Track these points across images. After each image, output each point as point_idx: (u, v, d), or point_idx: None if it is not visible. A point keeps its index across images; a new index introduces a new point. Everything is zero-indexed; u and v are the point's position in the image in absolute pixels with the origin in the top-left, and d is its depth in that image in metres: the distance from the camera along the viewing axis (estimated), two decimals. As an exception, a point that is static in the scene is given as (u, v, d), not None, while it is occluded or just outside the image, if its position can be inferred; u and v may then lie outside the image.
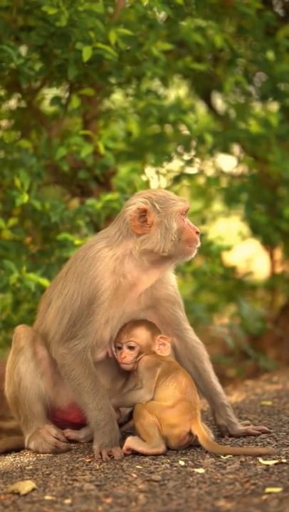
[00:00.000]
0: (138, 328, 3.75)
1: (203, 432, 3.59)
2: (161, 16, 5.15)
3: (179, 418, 3.58)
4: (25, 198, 4.37)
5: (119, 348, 3.75)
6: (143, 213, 3.68)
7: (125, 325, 3.75)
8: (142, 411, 3.60)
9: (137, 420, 3.62)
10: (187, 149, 5.50)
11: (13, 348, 3.95)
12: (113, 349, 3.78)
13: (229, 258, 6.84)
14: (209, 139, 5.34)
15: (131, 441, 3.61)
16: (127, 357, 3.71)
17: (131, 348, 3.72)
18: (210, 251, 5.45)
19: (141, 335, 3.73)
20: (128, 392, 3.71)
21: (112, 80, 4.94)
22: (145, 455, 3.57)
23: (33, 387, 3.86)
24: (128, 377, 3.82)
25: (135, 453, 3.60)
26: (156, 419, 3.57)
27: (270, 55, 5.63)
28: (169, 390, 3.62)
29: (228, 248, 5.67)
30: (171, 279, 3.88)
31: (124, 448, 3.60)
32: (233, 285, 6.80)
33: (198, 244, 3.77)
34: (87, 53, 4.33)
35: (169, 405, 3.59)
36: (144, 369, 3.69)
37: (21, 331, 3.96)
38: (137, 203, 3.72)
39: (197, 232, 3.75)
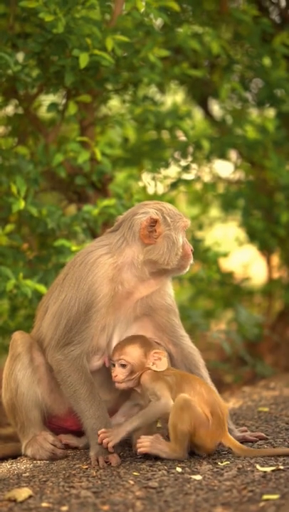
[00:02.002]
0: (131, 345, 3.66)
1: (234, 442, 3.59)
2: (158, 22, 5.16)
3: (213, 435, 3.54)
4: (22, 204, 4.37)
5: (114, 365, 3.69)
6: (153, 223, 3.70)
7: (120, 342, 3.70)
8: (184, 415, 3.50)
9: (173, 420, 3.52)
10: (184, 155, 5.51)
11: (10, 355, 3.94)
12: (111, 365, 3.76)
13: (226, 264, 6.85)
14: (206, 145, 5.36)
15: (152, 446, 3.53)
16: (118, 375, 3.63)
17: (123, 366, 3.64)
18: (207, 257, 5.45)
19: (133, 353, 3.64)
20: (146, 409, 3.56)
21: (109, 87, 4.95)
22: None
23: (30, 394, 3.85)
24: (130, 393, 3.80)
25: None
26: (192, 428, 3.51)
27: (267, 61, 5.64)
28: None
29: (225, 255, 5.67)
30: (169, 288, 3.88)
31: (139, 451, 3.54)
32: (230, 291, 6.79)
33: (192, 261, 3.82)
34: (84, 60, 4.34)
35: (209, 418, 3.53)
36: (151, 383, 3.61)
37: (18, 338, 3.95)
38: (149, 212, 3.72)
39: (191, 250, 3.80)
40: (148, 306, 3.80)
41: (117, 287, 3.69)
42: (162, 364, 3.64)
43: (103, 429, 3.56)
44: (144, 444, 3.54)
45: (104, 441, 3.52)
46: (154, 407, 3.55)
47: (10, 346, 3.97)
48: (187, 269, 3.82)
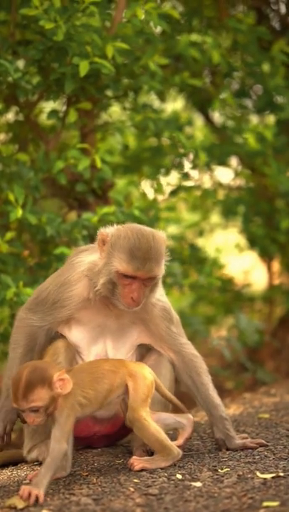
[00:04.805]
0: (33, 389, 3.33)
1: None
2: (158, 30, 5.17)
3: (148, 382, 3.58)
4: (19, 213, 4.38)
5: (22, 411, 3.39)
6: (103, 239, 3.65)
7: (17, 387, 3.35)
8: (142, 422, 3.51)
9: (143, 435, 3.54)
10: (180, 167, 5.51)
11: None
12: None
13: (227, 270, 6.85)
14: (203, 157, 5.33)
15: (142, 464, 3.54)
16: (35, 420, 3.37)
17: (35, 410, 3.36)
18: (204, 265, 5.48)
19: (39, 395, 3.33)
20: (49, 459, 3.30)
21: (109, 93, 4.96)
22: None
23: None
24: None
25: None
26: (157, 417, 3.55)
27: (265, 68, 5.65)
28: (117, 381, 3.54)
29: (221, 266, 5.70)
30: (159, 300, 3.79)
31: (136, 468, 3.54)
32: (231, 297, 6.79)
33: (134, 308, 3.60)
34: (84, 68, 4.35)
35: (146, 382, 3.55)
36: (61, 414, 3.40)
37: None
38: (112, 227, 3.67)
39: (133, 299, 3.57)
40: (137, 316, 3.79)
41: (91, 293, 3.70)
42: (68, 384, 3.39)
43: (25, 489, 3.18)
44: (143, 463, 3.55)
45: (32, 498, 3.19)
46: (54, 456, 3.31)
47: None
48: (126, 310, 3.61)
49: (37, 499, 3.16)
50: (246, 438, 3.89)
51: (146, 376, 3.58)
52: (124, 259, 3.55)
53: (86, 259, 3.75)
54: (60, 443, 3.34)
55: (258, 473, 3.41)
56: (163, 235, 3.69)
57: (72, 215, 5.20)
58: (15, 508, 3.17)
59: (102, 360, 3.67)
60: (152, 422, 3.53)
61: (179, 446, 3.63)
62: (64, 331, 3.83)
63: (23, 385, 3.34)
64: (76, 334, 3.81)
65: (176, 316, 3.90)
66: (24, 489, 3.17)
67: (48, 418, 3.40)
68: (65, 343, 3.81)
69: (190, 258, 5.58)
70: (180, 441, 3.68)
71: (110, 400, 3.54)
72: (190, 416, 3.74)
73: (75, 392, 3.43)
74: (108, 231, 3.64)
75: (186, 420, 3.72)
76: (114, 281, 3.59)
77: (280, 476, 3.36)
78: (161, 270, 3.63)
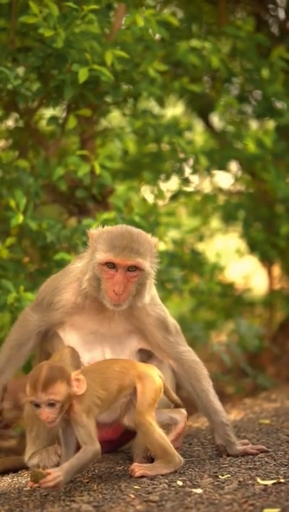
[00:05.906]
0: (54, 382, 3.34)
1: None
2: (158, 36, 5.19)
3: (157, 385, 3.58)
4: (20, 218, 4.39)
5: (37, 406, 3.37)
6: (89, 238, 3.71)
7: (37, 379, 3.35)
8: (148, 426, 3.50)
9: (147, 439, 3.54)
10: (181, 172, 5.52)
11: None
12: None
13: (227, 275, 6.86)
14: (203, 161, 5.35)
15: (142, 471, 3.54)
16: (49, 416, 3.33)
17: (51, 405, 3.34)
18: (204, 271, 5.48)
19: (59, 389, 3.34)
20: (81, 454, 3.34)
21: (109, 100, 4.97)
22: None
23: None
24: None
25: None
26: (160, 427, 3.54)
27: (265, 74, 5.66)
28: (122, 383, 3.54)
29: (221, 268, 5.69)
30: (153, 310, 3.81)
31: (137, 474, 3.54)
32: (231, 302, 6.79)
33: (120, 306, 3.62)
34: (83, 75, 4.36)
35: (154, 386, 3.56)
36: (82, 418, 3.40)
37: None
38: (101, 228, 3.72)
39: (115, 292, 3.57)
40: (133, 324, 3.80)
41: (81, 299, 3.73)
42: (82, 384, 3.41)
43: (47, 473, 3.26)
44: (143, 469, 3.55)
45: (51, 484, 3.24)
46: (87, 454, 3.34)
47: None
48: (112, 308, 3.63)
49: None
50: (247, 444, 3.89)
51: (155, 380, 3.58)
52: (104, 250, 3.60)
53: (80, 263, 3.79)
54: (92, 444, 3.36)
55: (258, 480, 3.41)
56: (154, 239, 3.73)
57: (73, 221, 5.21)
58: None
59: (112, 361, 3.67)
60: (157, 428, 3.52)
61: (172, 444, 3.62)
62: (60, 334, 3.85)
63: (44, 377, 3.34)
64: (69, 338, 3.82)
65: (174, 325, 3.90)
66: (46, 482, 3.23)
67: (60, 421, 3.41)
68: (70, 348, 3.81)
69: (191, 262, 5.59)
70: (170, 437, 3.66)
71: (118, 400, 3.55)
72: (183, 411, 3.74)
73: (89, 393, 3.44)
74: (95, 230, 3.70)
75: (179, 415, 3.72)
76: (98, 276, 3.62)
77: (280, 483, 3.36)
78: (145, 264, 3.62)
